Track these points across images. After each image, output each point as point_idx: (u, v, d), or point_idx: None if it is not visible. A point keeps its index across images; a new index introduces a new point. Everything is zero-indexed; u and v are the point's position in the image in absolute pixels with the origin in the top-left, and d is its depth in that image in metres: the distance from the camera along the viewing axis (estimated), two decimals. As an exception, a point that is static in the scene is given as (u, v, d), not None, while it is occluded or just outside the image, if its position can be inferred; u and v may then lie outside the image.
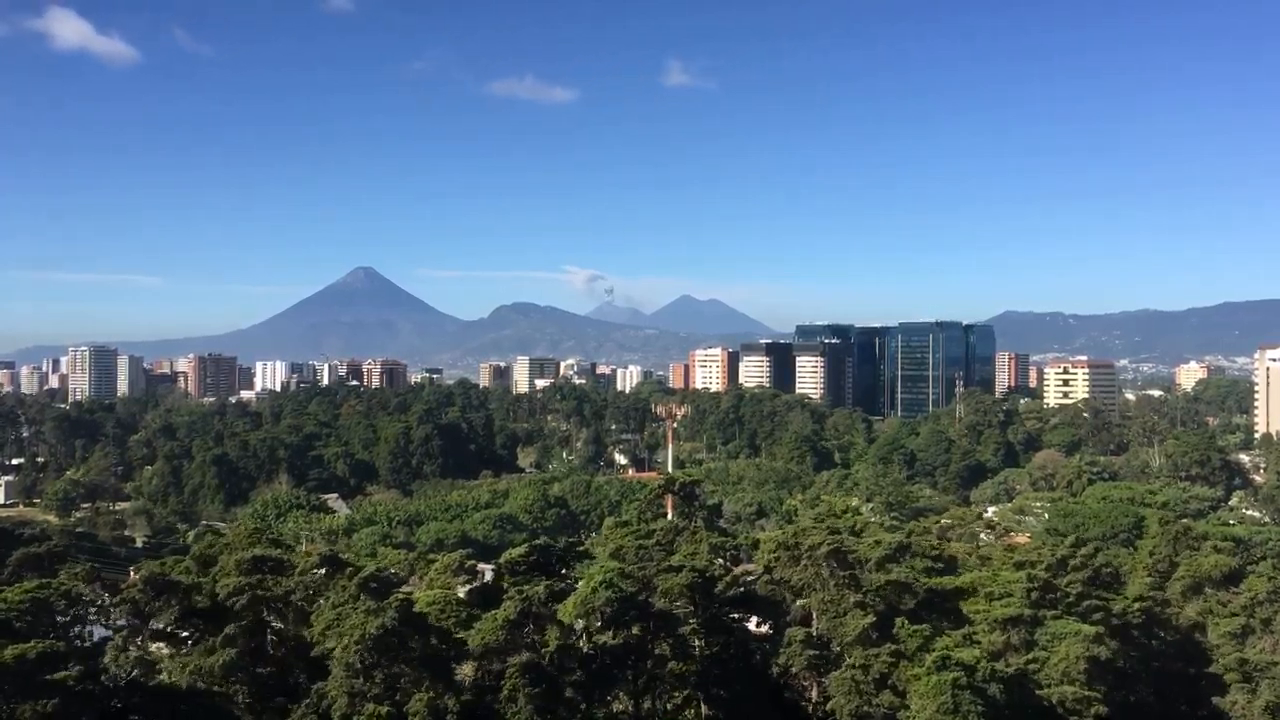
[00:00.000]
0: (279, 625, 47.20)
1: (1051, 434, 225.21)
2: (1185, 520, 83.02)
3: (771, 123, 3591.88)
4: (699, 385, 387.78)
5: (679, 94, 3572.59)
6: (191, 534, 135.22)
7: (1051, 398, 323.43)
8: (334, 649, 41.94)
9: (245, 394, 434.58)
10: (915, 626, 47.39)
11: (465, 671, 46.48)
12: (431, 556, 73.66)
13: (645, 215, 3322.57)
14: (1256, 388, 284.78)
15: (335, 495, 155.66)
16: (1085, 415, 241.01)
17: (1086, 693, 46.97)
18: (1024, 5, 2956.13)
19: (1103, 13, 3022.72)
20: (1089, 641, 48.30)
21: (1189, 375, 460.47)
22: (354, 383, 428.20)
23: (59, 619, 45.94)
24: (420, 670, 41.84)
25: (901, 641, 46.35)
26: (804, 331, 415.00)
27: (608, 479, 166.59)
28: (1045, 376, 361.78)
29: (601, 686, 47.88)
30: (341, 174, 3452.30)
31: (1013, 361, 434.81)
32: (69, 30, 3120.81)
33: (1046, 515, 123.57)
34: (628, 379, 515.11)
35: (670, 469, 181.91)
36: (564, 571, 52.34)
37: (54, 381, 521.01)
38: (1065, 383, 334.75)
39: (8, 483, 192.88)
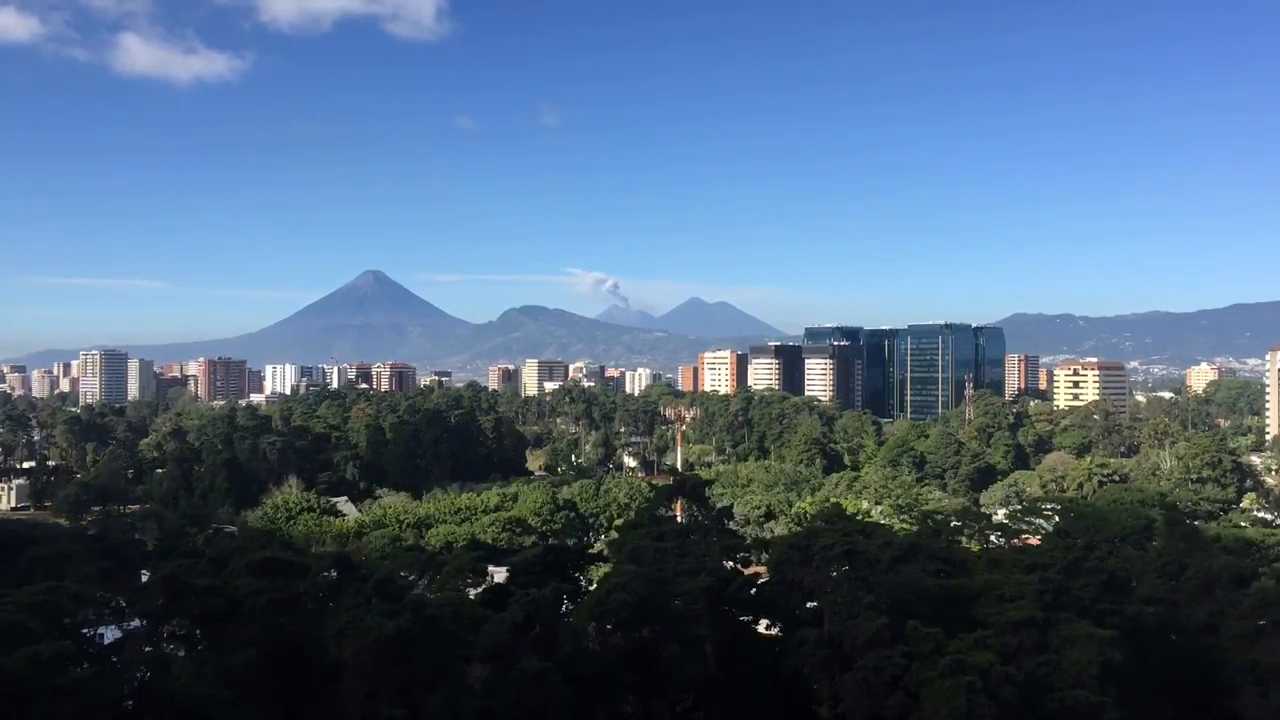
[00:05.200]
0: (292, 628, 47.30)
1: (1062, 436, 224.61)
2: (1196, 522, 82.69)
3: (780, 125, 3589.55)
4: (708, 388, 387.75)
5: (684, 96, 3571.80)
6: (202, 537, 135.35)
7: (1061, 400, 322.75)
8: (348, 652, 42.03)
9: (255, 397, 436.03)
10: (927, 629, 47.30)
11: (476, 674, 46.55)
12: (441, 559, 73.65)
13: (654, 219, 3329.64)
14: (1268, 389, 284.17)
15: (345, 498, 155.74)
16: (1095, 417, 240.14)
17: (1099, 697, 46.79)
18: (1033, 5, 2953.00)
19: (1112, 12, 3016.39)
20: (1102, 645, 48.11)
21: (1200, 377, 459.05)
22: (364, 386, 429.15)
23: (71, 621, 46.05)
24: (433, 673, 41.91)
25: (913, 643, 46.26)
26: (813, 334, 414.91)
27: (617, 481, 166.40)
28: (1055, 378, 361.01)
29: (612, 688, 47.88)
30: (348, 177, 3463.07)
31: (1022, 363, 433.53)
32: (82, 39, 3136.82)
33: (1057, 518, 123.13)
34: (637, 381, 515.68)
35: (680, 471, 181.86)
36: (575, 574, 52.37)
37: (65, 385, 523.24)
38: (1075, 385, 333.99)
39: (19, 486, 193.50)
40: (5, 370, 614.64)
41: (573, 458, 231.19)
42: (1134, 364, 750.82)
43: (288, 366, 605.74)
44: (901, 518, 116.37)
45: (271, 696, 43.48)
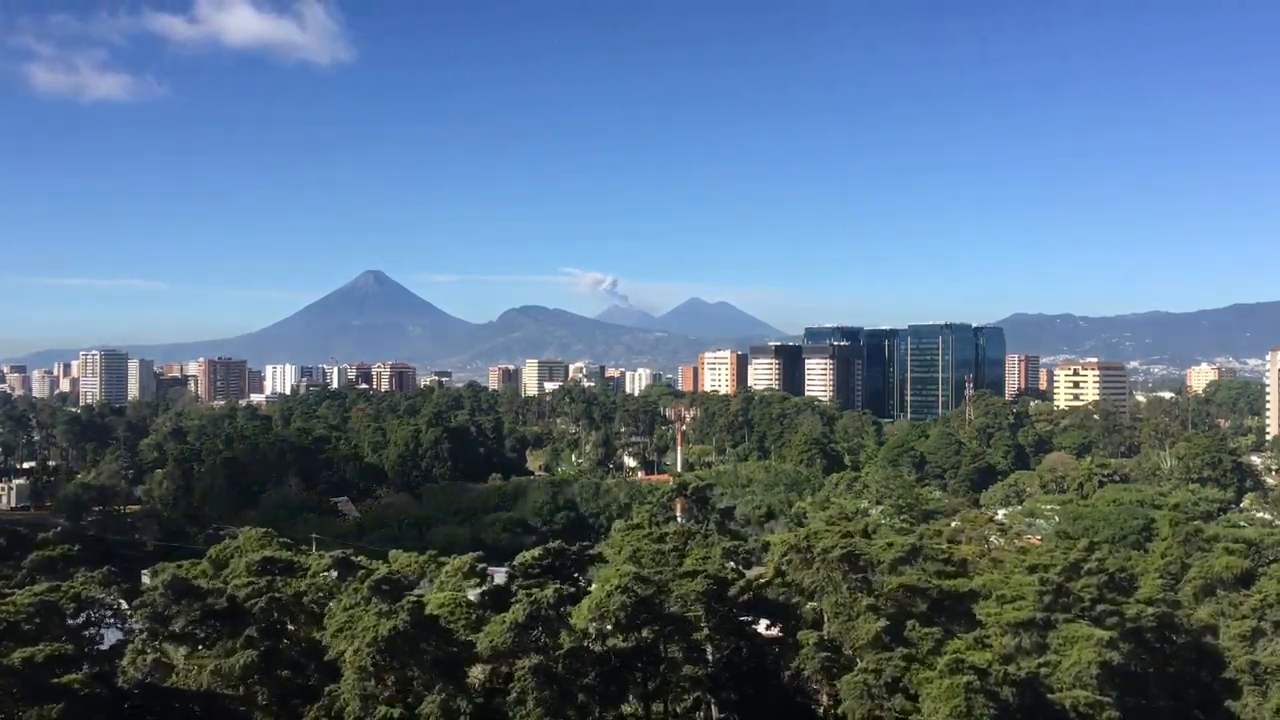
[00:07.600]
0: (292, 627, 47.26)
1: (1062, 436, 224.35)
2: (1196, 523, 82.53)
3: (779, 126, 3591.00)
4: (708, 388, 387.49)
5: (685, 97, 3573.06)
6: (202, 537, 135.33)
7: (1062, 400, 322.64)
8: (346, 651, 41.98)
9: (255, 397, 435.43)
10: (927, 629, 47.25)
11: (476, 674, 46.48)
12: (441, 559, 73.48)
13: (654, 219, 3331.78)
14: (1268, 389, 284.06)
15: (345, 498, 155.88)
16: (1096, 417, 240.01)
17: (1099, 697, 46.75)
18: (1034, 6, 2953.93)
19: (1113, 14, 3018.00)
20: (1102, 645, 48.05)
21: (1200, 377, 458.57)
22: (363, 386, 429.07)
23: (71, 622, 45.98)
24: (432, 673, 41.86)
25: (913, 644, 46.20)
26: (813, 334, 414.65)
27: (617, 482, 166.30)
28: (1055, 379, 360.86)
29: (613, 689, 47.82)
30: (348, 178, 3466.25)
31: (1023, 364, 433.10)
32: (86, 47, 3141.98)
33: (1057, 518, 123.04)
34: (637, 381, 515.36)
35: (680, 471, 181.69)
36: (576, 575, 52.22)
37: (65, 385, 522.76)
38: (1075, 385, 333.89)
39: (19, 486, 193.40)
40: (5, 370, 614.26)
41: (573, 458, 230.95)
42: (1134, 364, 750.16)
43: (288, 366, 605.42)
44: (902, 518, 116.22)
45: (273, 696, 43.48)
